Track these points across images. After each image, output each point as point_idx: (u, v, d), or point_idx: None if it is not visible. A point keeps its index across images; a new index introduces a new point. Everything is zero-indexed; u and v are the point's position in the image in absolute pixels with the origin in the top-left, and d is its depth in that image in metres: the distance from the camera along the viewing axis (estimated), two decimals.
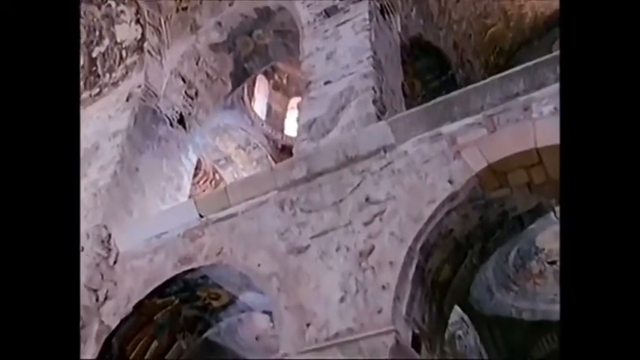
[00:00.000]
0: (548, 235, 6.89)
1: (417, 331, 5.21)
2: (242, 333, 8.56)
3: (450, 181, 5.37)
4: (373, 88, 6.65)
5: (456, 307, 7.16)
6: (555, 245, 7.09)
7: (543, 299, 7.58)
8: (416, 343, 5.17)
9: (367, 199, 5.71)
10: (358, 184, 5.87)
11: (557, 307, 7.63)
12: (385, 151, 5.91)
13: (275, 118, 12.70)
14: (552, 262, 7.31)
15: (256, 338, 8.54)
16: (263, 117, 12.61)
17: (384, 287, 5.08)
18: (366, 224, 5.56)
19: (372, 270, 5.25)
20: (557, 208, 5.77)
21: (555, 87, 5.34)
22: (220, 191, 7.02)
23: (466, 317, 7.29)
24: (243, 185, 6.87)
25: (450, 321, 7.20)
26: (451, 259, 5.62)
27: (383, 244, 5.34)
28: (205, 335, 7.75)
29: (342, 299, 5.23)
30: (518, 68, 5.64)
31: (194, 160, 9.71)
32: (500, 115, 5.51)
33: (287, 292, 5.61)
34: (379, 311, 4.98)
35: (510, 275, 7.33)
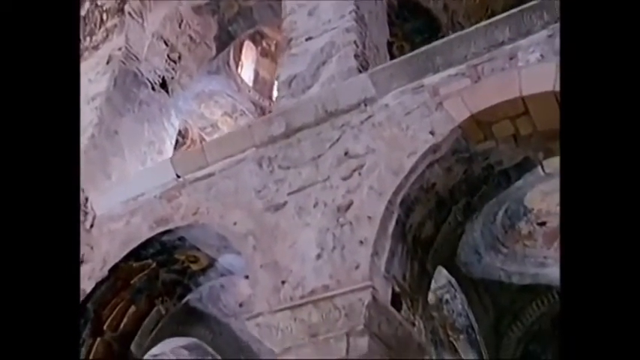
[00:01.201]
0: (536, 194, 6.64)
1: (397, 289, 5.00)
2: (225, 299, 8.36)
3: (432, 133, 5.13)
4: (355, 43, 6.40)
5: (443, 270, 6.95)
6: (544, 205, 6.84)
7: (533, 262, 7.35)
8: (396, 302, 4.96)
9: (346, 154, 5.48)
10: (338, 139, 5.64)
11: (546, 271, 7.43)
12: (366, 105, 5.67)
13: (263, 85, 12.41)
14: (542, 224, 7.06)
15: (240, 305, 8.33)
16: (250, 84, 12.34)
17: (361, 242, 4.87)
18: (344, 179, 5.34)
19: (349, 225, 5.03)
20: (545, 162, 5.53)
21: (542, 34, 5.11)
22: (197, 150, 6.80)
23: (453, 280, 7.07)
24: (221, 143, 6.64)
25: (436, 285, 7.07)
26: (434, 215, 5.39)
27: (361, 199, 5.12)
28: (185, 300, 7.57)
29: (318, 256, 5.02)
30: (503, 15, 5.38)
31: (177, 125, 9.46)
32: (485, 65, 5.27)
33: (262, 250, 5.40)
34: (356, 267, 4.77)
35: (499, 237, 7.08)
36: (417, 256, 5.31)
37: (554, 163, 5.53)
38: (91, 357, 6.59)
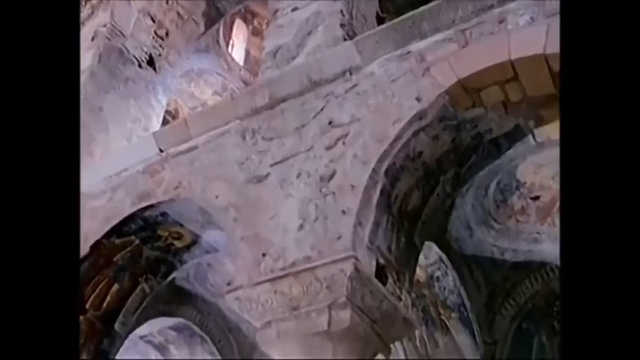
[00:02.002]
0: (529, 167, 6.45)
1: (382, 261, 4.83)
2: (212, 279, 8.19)
3: (418, 99, 4.95)
4: (341, 12, 6.22)
5: (434, 246, 6.77)
6: (537, 179, 6.65)
7: (526, 238, 7.16)
8: (381, 275, 4.79)
9: (330, 123, 5.30)
10: (322, 109, 5.47)
11: (540, 247, 7.25)
12: (351, 73, 5.49)
13: (254, 64, 12.17)
14: (535, 198, 6.87)
15: (228, 284, 8.14)
16: (241, 63, 12.13)
17: (344, 212, 4.69)
18: (328, 148, 5.17)
19: (332, 195, 4.86)
20: (536, 131, 5.35)
21: None
22: (180, 123, 6.62)
23: (444, 257, 6.89)
24: (204, 116, 6.49)
25: (427, 261, 6.90)
26: (421, 186, 5.20)
27: (345, 168, 4.94)
28: (172, 280, 7.43)
29: (300, 227, 4.85)
30: None
31: (164, 102, 9.27)
32: (473, 29, 5.07)
33: (243, 222, 5.24)
34: (338, 237, 4.60)
35: (491, 211, 6.89)
36: (404, 228, 5.13)
37: (545, 132, 5.37)
38: None
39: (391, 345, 7.21)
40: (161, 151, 6.51)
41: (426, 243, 6.54)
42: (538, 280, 7.42)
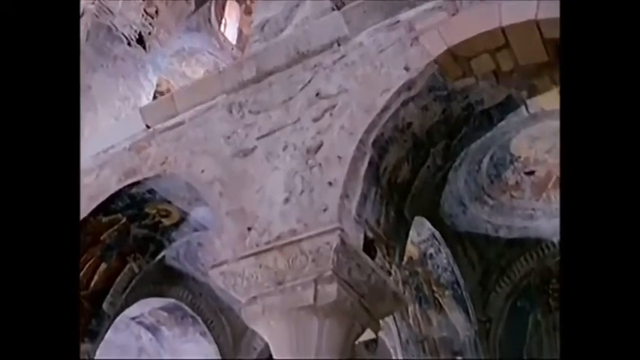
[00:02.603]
0: (523, 140, 6.30)
1: (370, 234, 4.71)
2: (203, 258, 8.07)
3: (406, 68, 4.81)
4: None
5: (426, 223, 6.64)
6: (532, 153, 6.50)
7: (521, 214, 7.01)
8: (369, 248, 4.68)
9: (318, 95, 5.17)
10: (309, 81, 5.33)
11: (535, 224, 7.12)
12: (339, 44, 5.35)
13: (246, 43, 12.02)
14: (529, 173, 6.72)
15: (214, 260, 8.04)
16: (234, 42, 11.96)
17: (330, 184, 4.57)
18: (315, 120, 5.04)
19: (319, 167, 4.74)
20: (529, 102, 5.21)
21: None
22: (167, 99, 6.47)
23: (437, 234, 6.75)
24: (190, 91, 6.32)
25: (420, 238, 6.78)
26: (411, 158, 5.08)
27: (332, 139, 4.82)
28: (161, 259, 7.32)
29: (286, 200, 4.73)
30: None
31: (154, 81, 9.16)
32: None
33: (229, 196, 5.12)
34: (324, 210, 4.48)
35: (484, 187, 6.74)
36: (393, 201, 5.02)
37: (538, 103, 5.22)
38: None
39: (383, 322, 7.18)
40: (148, 127, 6.38)
41: (419, 219, 6.44)
42: (533, 258, 7.29)
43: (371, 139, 4.73)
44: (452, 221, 6.83)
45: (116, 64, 8.44)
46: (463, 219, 6.88)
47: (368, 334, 4.79)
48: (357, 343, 8.42)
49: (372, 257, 4.68)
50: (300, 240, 4.38)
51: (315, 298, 4.26)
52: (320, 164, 4.74)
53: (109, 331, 8.96)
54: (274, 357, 4.45)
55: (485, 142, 5.99)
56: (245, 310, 4.59)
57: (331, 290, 4.25)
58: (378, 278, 4.58)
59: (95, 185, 6.45)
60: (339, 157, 4.65)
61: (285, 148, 5.05)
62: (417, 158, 5.14)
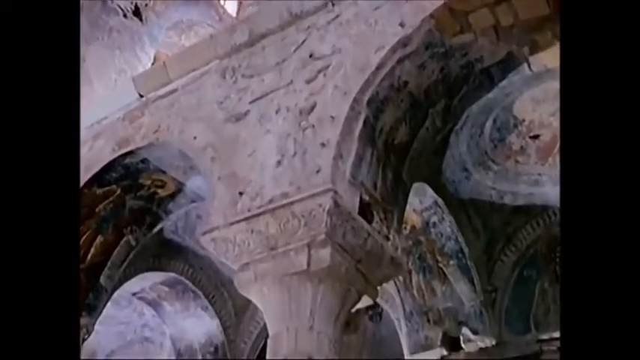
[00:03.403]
0: (526, 103, 6.08)
1: (366, 197, 4.54)
2: (202, 231, 7.91)
3: (402, 25, 4.61)
4: None
5: (428, 190, 6.46)
6: (536, 116, 6.27)
7: (526, 180, 6.79)
8: (366, 212, 4.51)
9: (311, 56, 5.00)
10: (303, 42, 5.16)
11: (541, 190, 6.91)
12: (333, 4, 5.16)
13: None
14: (534, 137, 6.50)
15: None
16: (234, 14, 11.74)
17: (323, 145, 4.40)
18: (308, 82, 4.87)
19: (312, 128, 4.57)
20: (531, 59, 5.00)
21: None
22: (159, 67, 6.32)
23: (440, 201, 6.56)
24: (183, 58, 6.16)
25: (422, 206, 6.61)
26: (408, 118, 4.89)
27: (325, 100, 4.64)
28: (160, 232, 7.23)
29: (278, 163, 4.57)
30: None
31: (152, 54, 9.00)
32: None
33: (221, 161, 4.96)
34: (317, 171, 4.31)
35: (487, 152, 6.53)
36: (390, 163, 4.84)
37: (541, 60, 5.00)
38: None
39: (387, 293, 7.04)
40: (141, 96, 6.25)
41: (420, 185, 6.29)
42: (540, 225, 7.08)
43: (365, 99, 4.54)
44: (455, 188, 6.64)
45: (112, 37, 8.28)
46: (466, 185, 6.69)
47: (366, 301, 4.63)
48: (353, 311, 8.40)
49: (369, 221, 4.51)
50: (292, 203, 4.21)
51: (308, 264, 4.10)
52: (313, 125, 4.57)
53: (112, 309, 8.94)
54: (267, 324, 4.31)
55: (487, 105, 5.80)
56: (237, 278, 4.44)
57: (325, 255, 4.09)
58: (375, 243, 4.42)
59: (89, 156, 6.33)
60: (332, 118, 4.48)
61: (277, 111, 4.89)
62: (415, 119, 4.95)
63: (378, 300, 7.78)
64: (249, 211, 4.43)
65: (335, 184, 4.21)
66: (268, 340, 4.25)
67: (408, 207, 6.54)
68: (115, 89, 7.68)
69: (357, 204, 4.42)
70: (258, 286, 4.31)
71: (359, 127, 4.51)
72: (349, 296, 4.33)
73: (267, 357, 4.16)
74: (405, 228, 6.90)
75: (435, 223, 6.81)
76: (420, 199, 6.54)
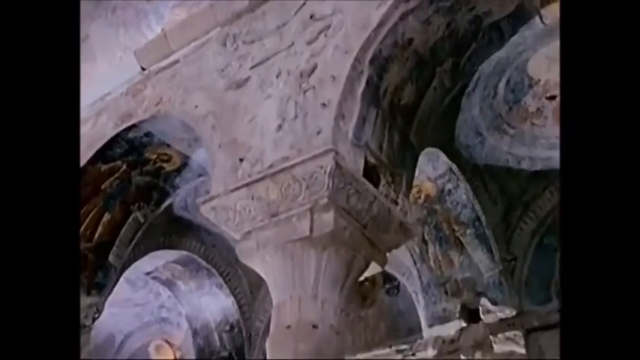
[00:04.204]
0: (541, 61, 5.79)
1: (372, 160, 4.35)
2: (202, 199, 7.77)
3: None
4: None
5: (442, 156, 6.24)
6: (551, 75, 5.98)
7: (544, 144, 6.52)
8: (371, 175, 4.32)
9: (312, 17, 4.80)
10: (303, 4, 4.96)
11: (559, 154, 6.63)
12: None
13: None
14: (551, 98, 6.22)
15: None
16: None
17: (324, 105, 4.22)
18: (309, 43, 4.68)
19: (312, 89, 4.38)
20: (543, 11, 4.74)
21: None
22: (160, 38, 6.16)
23: (454, 167, 6.33)
24: (184, 28, 6.01)
25: (436, 173, 6.41)
26: (414, 78, 4.68)
27: (326, 60, 4.45)
28: (169, 209, 7.10)
29: (279, 127, 4.39)
30: None
31: (158, 31, 8.79)
32: None
33: (222, 128, 4.81)
34: (318, 132, 4.13)
35: (502, 114, 6.26)
36: (396, 124, 4.64)
37: (554, 12, 4.74)
38: None
39: (403, 266, 6.85)
40: (143, 69, 6.12)
41: (433, 151, 6.08)
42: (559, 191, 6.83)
43: (368, 57, 4.34)
44: (469, 153, 6.40)
45: (116, 14, 8.07)
46: (481, 150, 6.45)
47: (374, 269, 4.45)
48: (371, 285, 8.24)
49: (375, 185, 4.32)
50: (292, 166, 4.04)
51: (311, 229, 3.93)
52: (314, 87, 4.38)
53: (128, 290, 8.87)
54: (271, 293, 4.16)
55: (499, 64, 5.56)
56: (239, 247, 4.30)
57: (328, 219, 3.91)
58: (382, 207, 4.24)
59: (92, 133, 6.22)
60: (333, 77, 4.29)
61: (278, 75, 4.71)
62: (422, 78, 4.73)
63: (395, 273, 7.64)
64: (249, 177, 4.27)
65: (336, 145, 4.03)
66: (272, 310, 4.10)
67: (421, 175, 6.39)
68: (118, 65, 7.52)
69: (362, 166, 4.24)
70: (260, 255, 4.16)
71: (361, 86, 4.31)
72: (355, 263, 4.15)
73: (272, 327, 4.01)
74: (420, 197, 6.71)
75: (450, 191, 6.58)
76: (434, 166, 6.32)
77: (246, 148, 4.48)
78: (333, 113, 4.14)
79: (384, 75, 4.47)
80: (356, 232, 4.10)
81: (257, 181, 4.17)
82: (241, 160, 4.44)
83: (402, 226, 4.43)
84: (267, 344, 3.98)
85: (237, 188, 4.25)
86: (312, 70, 4.48)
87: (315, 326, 3.80)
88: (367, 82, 4.34)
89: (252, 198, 4.16)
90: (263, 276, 4.26)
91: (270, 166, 4.20)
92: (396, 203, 4.49)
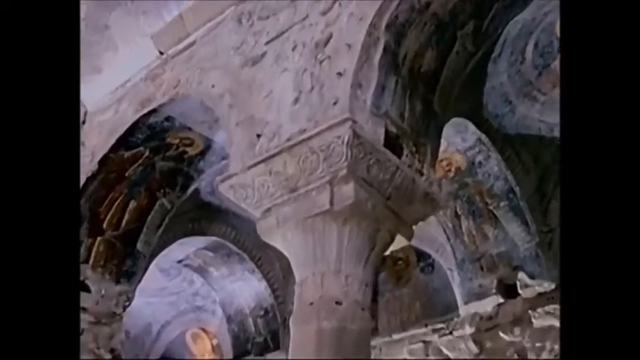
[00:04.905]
0: None
1: (393, 129, 4.19)
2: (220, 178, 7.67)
3: None
4: None
5: (470, 126, 6.04)
6: None
7: None
8: (394, 145, 4.16)
9: None
10: None
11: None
12: None
13: None
14: None
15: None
16: None
17: (340, 74, 4.07)
18: (324, 13, 4.54)
19: (328, 60, 4.24)
20: None
21: None
22: (176, 21, 6.06)
23: (484, 137, 6.10)
24: (199, 8, 5.88)
25: (465, 144, 6.23)
26: (434, 43, 4.49)
27: (341, 29, 4.30)
28: (196, 194, 7.03)
29: (295, 100, 4.27)
30: None
31: None
32: None
33: (238, 106, 4.70)
34: (334, 102, 3.99)
35: (531, 80, 6.00)
36: (418, 92, 4.46)
37: None
38: (91, 258, 6.10)
39: (436, 242, 6.67)
40: (161, 53, 6.04)
41: (461, 122, 5.90)
42: None
43: (384, 24, 4.17)
44: (499, 122, 6.17)
45: (135, 2, 8.03)
46: (512, 119, 6.21)
47: (400, 242, 4.29)
48: (404, 264, 8.07)
49: (398, 155, 4.16)
50: (309, 138, 3.90)
51: (331, 202, 3.80)
52: (329, 57, 4.24)
53: (163, 279, 8.85)
54: (294, 271, 4.05)
55: (525, 26, 5.34)
56: (259, 225, 4.20)
57: (348, 191, 3.78)
58: (405, 177, 4.08)
59: (113, 120, 6.20)
60: (349, 46, 4.14)
61: (294, 48, 4.58)
62: (443, 43, 4.53)
63: (429, 250, 7.47)
64: (266, 152, 4.15)
65: (353, 114, 3.88)
66: (295, 288, 3.99)
67: (450, 147, 6.19)
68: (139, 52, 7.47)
69: (382, 136, 4.08)
70: (281, 232, 4.05)
71: (378, 54, 4.15)
72: (380, 237, 4.01)
73: (295, 305, 3.90)
74: (450, 170, 6.52)
75: (480, 163, 6.37)
76: (463, 137, 6.12)
77: (263, 124, 4.36)
78: (349, 82, 3.99)
79: (402, 41, 4.30)
80: (379, 204, 3.95)
81: (274, 155, 4.05)
82: (258, 135, 4.33)
83: (428, 196, 4.26)
84: (290, 323, 3.86)
85: (255, 164, 4.14)
86: (328, 40, 4.34)
87: (338, 302, 3.69)
88: (384, 49, 4.17)
89: (270, 173, 4.05)
90: (285, 253, 4.16)
91: (288, 140, 4.08)
92: (421, 174, 4.32)
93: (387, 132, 4.13)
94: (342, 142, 3.76)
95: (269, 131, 4.28)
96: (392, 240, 4.15)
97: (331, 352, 3.55)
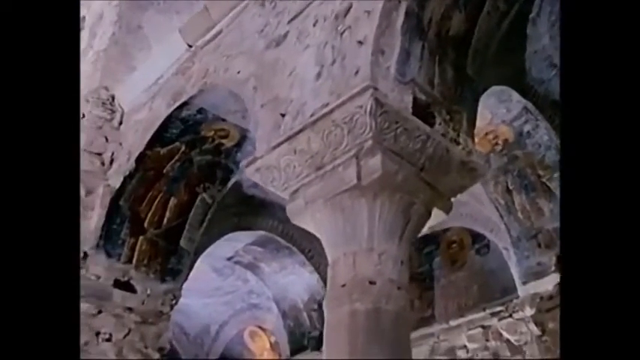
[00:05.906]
0: None
1: (422, 97, 3.94)
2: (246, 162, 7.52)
3: None
4: None
5: (514, 94, 5.72)
6: None
7: None
8: (426, 114, 3.92)
9: None
10: None
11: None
12: None
13: None
14: None
15: None
16: None
17: (360, 43, 3.86)
18: None
19: (348, 30, 4.04)
20: None
21: None
22: (201, 11, 5.95)
23: (530, 105, 5.76)
24: None
25: (510, 115, 5.92)
26: (462, 4, 4.22)
27: None
28: (239, 187, 6.92)
29: (318, 75, 4.08)
30: None
31: None
32: None
33: (263, 88, 4.56)
34: (356, 72, 3.78)
35: None
36: (447, 57, 4.20)
37: None
38: (135, 258, 6.05)
39: (490, 221, 6.37)
40: (190, 46, 5.95)
41: (504, 90, 5.60)
42: None
43: None
44: (545, 88, 5.80)
45: (167, 2, 8.02)
46: (557, 82, 5.84)
47: (438, 216, 4.04)
48: (458, 247, 7.76)
49: (431, 124, 3.92)
50: (331, 111, 3.70)
51: (359, 177, 3.60)
52: (349, 27, 4.03)
53: (217, 279, 8.78)
54: (326, 252, 3.85)
55: None
56: (288, 208, 4.03)
57: (375, 163, 3.56)
58: (438, 146, 3.83)
59: (147, 117, 6.16)
60: (368, 13, 3.92)
61: (315, 24, 4.40)
62: (471, 4, 4.27)
63: (483, 231, 7.16)
64: (291, 130, 3.97)
65: (376, 82, 3.66)
66: (328, 270, 3.79)
67: (495, 119, 5.89)
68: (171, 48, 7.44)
69: (410, 104, 3.84)
70: (310, 212, 3.87)
71: (400, 19, 3.91)
72: (415, 210, 3.77)
73: (327, 287, 3.71)
74: (497, 143, 6.21)
75: (529, 133, 6.03)
76: (507, 107, 5.80)
77: (287, 103, 4.19)
78: (370, 49, 3.77)
79: (425, 4, 4.05)
80: (411, 176, 3.72)
81: (298, 132, 3.86)
82: (283, 115, 4.16)
83: (465, 166, 4.01)
84: (323, 307, 3.66)
85: (279, 144, 3.97)
86: (348, 10, 4.14)
87: (372, 282, 3.47)
88: (407, 14, 3.93)
89: (295, 152, 3.87)
90: (317, 234, 3.96)
91: (311, 116, 3.89)
92: (457, 143, 4.07)
93: (415, 100, 3.89)
94: (365, 111, 3.55)
95: (293, 109, 4.10)
96: (429, 214, 3.91)
97: (366, 335, 3.34)
